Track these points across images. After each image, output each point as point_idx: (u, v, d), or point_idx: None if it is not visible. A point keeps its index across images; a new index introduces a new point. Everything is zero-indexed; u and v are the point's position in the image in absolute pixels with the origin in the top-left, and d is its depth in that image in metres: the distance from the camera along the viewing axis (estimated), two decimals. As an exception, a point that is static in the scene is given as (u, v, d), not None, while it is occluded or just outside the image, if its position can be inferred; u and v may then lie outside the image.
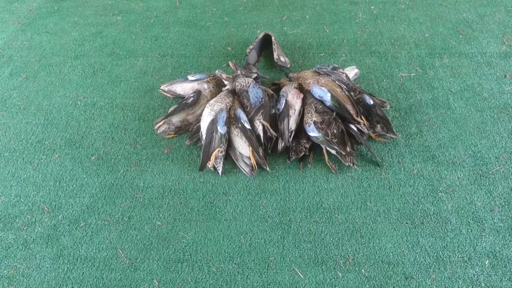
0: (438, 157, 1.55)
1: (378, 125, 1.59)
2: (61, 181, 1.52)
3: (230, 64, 1.77)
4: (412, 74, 1.87)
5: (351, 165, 1.50)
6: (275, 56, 1.87)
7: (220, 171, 1.52)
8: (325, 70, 1.69)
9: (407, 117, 1.69)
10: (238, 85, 1.66)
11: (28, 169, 1.56)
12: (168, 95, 1.78)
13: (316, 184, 1.48)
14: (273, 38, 1.95)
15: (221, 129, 1.51)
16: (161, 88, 1.77)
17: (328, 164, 1.52)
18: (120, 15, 2.30)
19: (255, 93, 1.60)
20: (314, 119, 1.52)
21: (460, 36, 2.06)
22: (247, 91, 1.62)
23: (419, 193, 1.45)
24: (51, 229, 1.39)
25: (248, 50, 1.90)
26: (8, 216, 1.43)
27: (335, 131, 1.49)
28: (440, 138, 1.61)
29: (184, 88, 1.74)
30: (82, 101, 1.81)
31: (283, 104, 1.58)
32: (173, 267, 1.30)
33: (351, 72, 1.78)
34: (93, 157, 1.59)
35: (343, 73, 1.70)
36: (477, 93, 1.77)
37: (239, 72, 1.72)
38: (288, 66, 1.88)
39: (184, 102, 1.68)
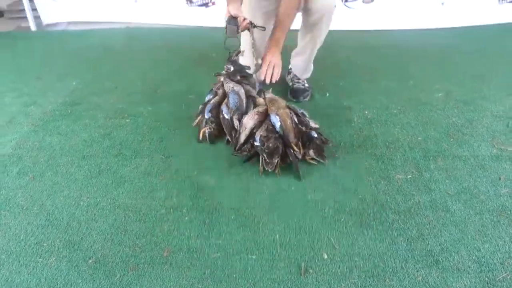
0: (442, 262, 1.52)
1: (311, 150, 1.97)
2: (55, 286, 1.47)
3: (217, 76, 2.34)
4: (408, 176, 1.92)
5: (271, 170, 1.89)
6: (255, 60, 2.32)
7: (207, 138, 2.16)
8: (297, 111, 2.11)
9: (407, 220, 1.69)
10: (226, 88, 2.21)
11: (23, 273, 1.52)
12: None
13: (319, 292, 1.43)
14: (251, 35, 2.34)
15: (206, 114, 2.18)
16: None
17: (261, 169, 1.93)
18: (129, 118, 2.45)
19: (233, 99, 2.14)
20: (261, 133, 1.95)
21: (452, 140, 2.16)
22: (228, 95, 2.17)
23: (426, 303, 1.39)
24: None
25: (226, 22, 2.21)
26: (-5, 327, 1.36)
27: (270, 145, 1.91)
28: (442, 242, 1.60)
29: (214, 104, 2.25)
30: (85, 201, 1.84)
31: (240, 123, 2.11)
32: None
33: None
34: (90, 260, 1.56)
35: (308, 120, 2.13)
36: (474, 196, 1.81)
37: (226, 79, 2.25)
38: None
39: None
